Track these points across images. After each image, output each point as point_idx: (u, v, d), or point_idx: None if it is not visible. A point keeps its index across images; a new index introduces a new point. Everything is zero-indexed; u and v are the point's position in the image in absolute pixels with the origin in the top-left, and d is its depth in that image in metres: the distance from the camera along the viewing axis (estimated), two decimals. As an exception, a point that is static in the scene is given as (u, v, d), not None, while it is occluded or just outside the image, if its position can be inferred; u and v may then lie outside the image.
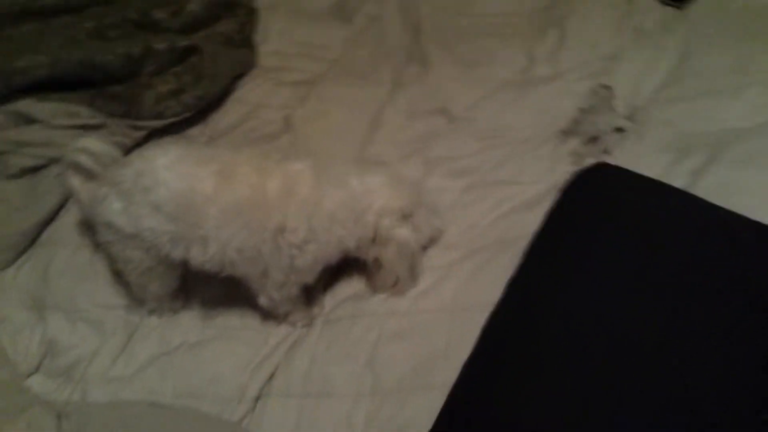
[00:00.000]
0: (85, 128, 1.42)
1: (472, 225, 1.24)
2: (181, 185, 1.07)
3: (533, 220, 1.15)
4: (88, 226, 1.24)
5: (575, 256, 0.95)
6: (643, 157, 1.21)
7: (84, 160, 1.16)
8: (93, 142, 1.16)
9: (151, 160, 1.10)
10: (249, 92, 1.60)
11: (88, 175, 1.18)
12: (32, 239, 1.37)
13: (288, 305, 1.18)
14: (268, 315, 1.21)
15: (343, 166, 1.17)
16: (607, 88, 1.34)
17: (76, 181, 1.18)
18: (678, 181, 1.13)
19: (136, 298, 1.25)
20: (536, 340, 0.92)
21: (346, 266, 1.23)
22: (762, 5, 1.35)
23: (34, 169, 1.42)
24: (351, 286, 1.23)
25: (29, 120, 1.42)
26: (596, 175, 1.02)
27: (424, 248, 1.21)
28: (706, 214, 0.93)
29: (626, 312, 0.88)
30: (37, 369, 1.21)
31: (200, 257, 1.08)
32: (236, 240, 1.06)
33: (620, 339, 0.86)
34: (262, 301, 1.16)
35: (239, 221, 1.06)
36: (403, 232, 1.13)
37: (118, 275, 1.25)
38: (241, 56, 1.62)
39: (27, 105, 1.43)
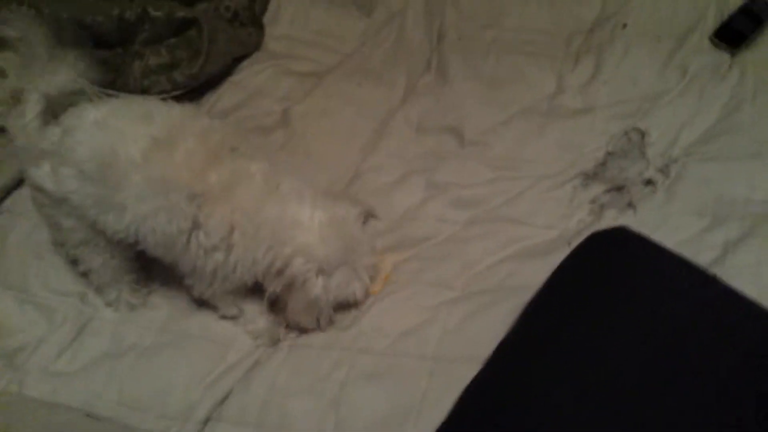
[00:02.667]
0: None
1: (471, 264, 1.13)
2: (105, 143, 0.97)
3: (538, 271, 1.03)
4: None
5: (577, 330, 0.84)
6: (672, 218, 1.10)
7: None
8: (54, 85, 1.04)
9: (82, 116, 1.01)
10: (249, 77, 1.51)
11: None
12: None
13: (229, 308, 1.11)
14: (231, 327, 1.12)
15: (305, 185, 1.07)
16: (640, 132, 1.22)
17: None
18: (708, 253, 1.03)
19: (92, 285, 1.17)
20: (523, 415, 0.81)
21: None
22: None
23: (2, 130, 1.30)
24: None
25: (2, 74, 1.32)
26: (614, 240, 0.92)
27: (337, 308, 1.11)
28: (731, 306, 0.82)
29: (620, 401, 0.77)
30: (-24, 349, 1.13)
31: (115, 225, 0.99)
32: (152, 220, 0.98)
33: (615, 419, 0.76)
34: (194, 293, 1.11)
35: (161, 200, 0.96)
36: (313, 286, 1.03)
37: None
38: (245, 36, 1.53)
39: (4, 59, 1.32)
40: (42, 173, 1.02)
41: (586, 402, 0.78)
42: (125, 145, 0.97)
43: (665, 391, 0.77)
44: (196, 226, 0.99)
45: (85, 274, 1.16)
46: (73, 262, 1.16)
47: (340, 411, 1.00)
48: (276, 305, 1.10)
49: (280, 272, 1.03)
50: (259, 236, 1.00)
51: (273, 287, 1.05)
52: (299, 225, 1.02)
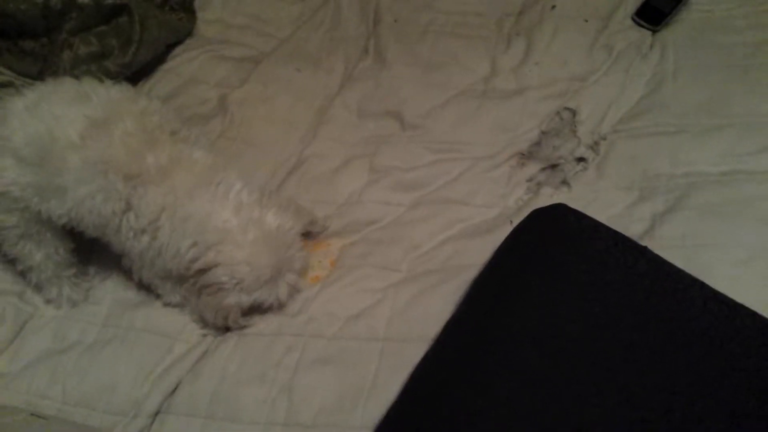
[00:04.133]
0: (-14, 85, 1.26)
1: (416, 246, 1.15)
2: (41, 127, 0.96)
3: (481, 249, 1.09)
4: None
5: (521, 307, 0.87)
6: (603, 194, 1.15)
7: None
8: None
9: (10, 106, 1.00)
10: (183, 64, 1.47)
11: None
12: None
13: (170, 295, 1.11)
14: (177, 319, 1.11)
15: (248, 186, 1.05)
16: (571, 111, 1.26)
17: None
18: (637, 226, 1.08)
19: (31, 283, 1.13)
20: (470, 392, 0.83)
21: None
22: (742, 44, 1.29)
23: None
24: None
25: None
26: (553, 217, 0.95)
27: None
28: (661, 276, 0.87)
29: (568, 372, 0.81)
30: None
31: (58, 209, 0.98)
32: (89, 201, 0.97)
33: (561, 400, 0.79)
34: (134, 277, 1.09)
35: (100, 181, 0.96)
36: (226, 297, 1.03)
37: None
38: (176, 22, 1.48)
39: None
40: None
41: (530, 376, 0.81)
42: (62, 127, 0.95)
43: (604, 360, 0.81)
44: (128, 207, 0.98)
45: (23, 273, 1.12)
46: (10, 261, 1.12)
47: (293, 396, 1.01)
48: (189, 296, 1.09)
49: (198, 273, 1.02)
50: (186, 227, 0.99)
51: (189, 283, 1.04)
52: (229, 233, 1.00)
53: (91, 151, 0.95)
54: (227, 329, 1.10)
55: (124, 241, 1.01)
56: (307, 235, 1.16)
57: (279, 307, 1.09)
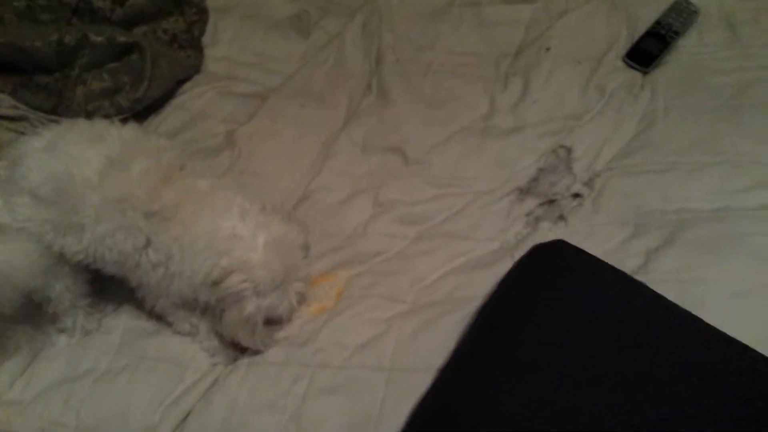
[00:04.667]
0: (4, 119, 1.29)
1: (420, 278, 1.19)
2: (58, 167, 0.98)
3: (483, 282, 1.13)
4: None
5: (525, 338, 0.91)
6: (598, 228, 1.19)
7: None
8: None
9: (27, 145, 1.02)
10: (192, 99, 1.50)
11: None
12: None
13: (181, 324, 1.13)
14: (188, 347, 1.13)
15: (252, 201, 1.08)
16: (567, 149, 1.31)
17: None
18: (632, 260, 1.12)
19: (47, 314, 1.15)
20: (477, 419, 0.87)
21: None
22: (730, 84, 1.34)
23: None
24: (284, 329, 1.15)
25: None
26: (554, 252, 1.00)
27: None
28: (657, 310, 0.91)
29: (570, 401, 0.85)
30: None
31: (75, 246, 1.01)
32: (110, 239, 1.00)
33: (562, 420, 0.83)
34: (146, 306, 1.11)
35: (119, 219, 0.99)
36: (248, 305, 1.04)
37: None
38: (185, 59, 1.52)
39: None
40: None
41: (534, 402, 0.84)
42: (80, 166, 0.98)
43: (605, 389, 0.84)
44: (148, 243, 1.01)
45: (40, 304, 1.14)
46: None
47: (301, 424, 1.03)
48: (209, 316, 1.11)
49: (215, 284, 1.03)
50: (196, 247, 1.01)
51: (206, 297, 1.05)
52: (240, 239, 1.02)
53: (110, 189, 0.98)
54: (242, 351, 1.12)
55: (141, 276, 1.04)
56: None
57: (289, 314, 1.11)
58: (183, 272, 1.03)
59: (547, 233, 1.20)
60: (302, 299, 1.13)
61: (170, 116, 1.47)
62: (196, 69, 1.54)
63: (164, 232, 1.01)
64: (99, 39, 1.38)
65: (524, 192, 1.28)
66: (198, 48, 1.57)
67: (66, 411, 1.08)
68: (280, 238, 1.05)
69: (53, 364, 1.14)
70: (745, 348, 0.85)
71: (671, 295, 0.94)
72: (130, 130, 1.07)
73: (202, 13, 1.61)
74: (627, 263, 1.10)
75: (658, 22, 1.47)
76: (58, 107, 1.35)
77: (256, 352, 1.13)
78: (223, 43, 1.61)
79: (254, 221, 1.04)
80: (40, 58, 1.34)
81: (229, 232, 1.02)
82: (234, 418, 1.05)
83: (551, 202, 1.25)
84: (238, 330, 1.07)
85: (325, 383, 1.07)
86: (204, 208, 1.03)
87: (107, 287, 1.21)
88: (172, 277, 1.03)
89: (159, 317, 1.15)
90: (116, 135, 1.04)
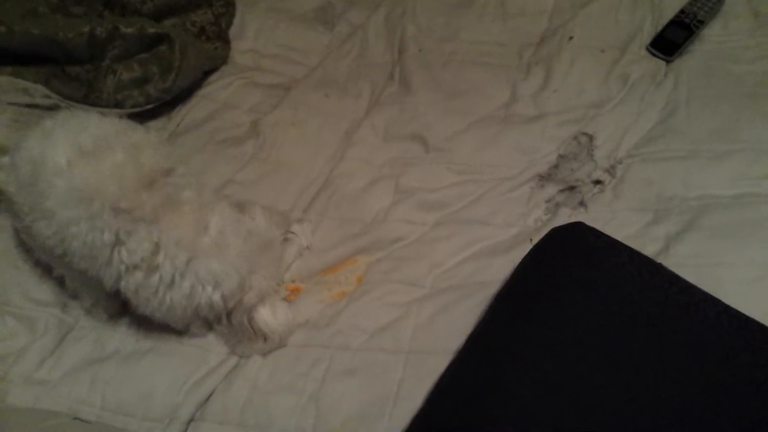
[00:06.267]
0: (37, 108, 1.33)
1: (439, 263, 1.20)
2: (39, 150, 0.99)
3: (501, 267, 1.14)
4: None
5: (542, 319, 0.91)
6: (619, 214, 1.19)
7: None
8: None
9: (39, 125, 1.04)
10: (218, 90, 1.53)
11: None
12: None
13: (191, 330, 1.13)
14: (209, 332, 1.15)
15: (232, 224, 1.09)
16: (588, 136, 1.31)
17: None
18: (652, 245, 1.12)
19: (71, 295, 1.18)
20: (493, 400, 0.87)
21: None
22: (753, 73, 1.33)
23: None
24: (303, 313, 1.17)
25: None
26: (572, 234, 1.00)
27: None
28: (676, 289, 0.91)
29: (586, 381, 0.85)
30: (-43, 358, 1.13)
31: (45, 231, 1.00)
32: (75, 227, 0.97)
33: (579, 407, 0.83)
34: (134, 310, 1.10)
35: (83, 208, 0.96)
36: (259, 318, 1.08)
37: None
38: (213, 50, 1.55)
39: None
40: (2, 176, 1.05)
41: (551, 384, 0.85)
42: (55, 152, 0.97)
43: (620, 369, 0.84)
44: (119, 241, 0.99)
45: (59, 281, 1.17)
46: (47, 268, 1.17)
47: (320, 405, 1.05)
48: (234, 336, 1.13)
49: (229, 313, 1.07)
50: (188, 273, 1.02)
51: (226, 321, 1.09)
52: (224, 263, 1.04)
53: (77, 178, 0.96)
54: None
55: (115, 276, 1.02)
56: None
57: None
58: (175, 291, 1.03)
59: (567, 219, 1.20)
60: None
61: (197, 106, 1.50)
62: (223, 60, 1.57)
63: (139, 234, 0.98)
64: (129, 30, 1.40)
65: (545, 178, 1.28)
66: (225, 40, 1.59)
67: (92, 391, 1.10)
68: (275, 244, 1.11)
69: (80, 345, 1.16)
70: (763, 327, 0.84)
71: (690, 279, 0.93)
72: (113, 123, 1.06)
73: (230, 5, 1.63)
74: (647, 248, 1.10)
75: (682, 11, 1.46)
76: (88, 96, 1.38)
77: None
78: (249, 36, 1.64)
79: (232, 252, 1.05)
80: (72, 49, 1.38)
81: (214, 264, 1.03)
82: (254, 399, 1.07)
83: (572, 188, 1.25)
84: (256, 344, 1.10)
85: (343, 365, 1.09)
86: (193, 231, 1.03)
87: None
88: (154, 287, 1.02)
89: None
90: (96, 126, 1.03)
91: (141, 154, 1.01)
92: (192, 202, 1.04)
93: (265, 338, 1.10)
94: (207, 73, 1.54)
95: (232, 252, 1.05)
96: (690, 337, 0.85)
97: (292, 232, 1.23)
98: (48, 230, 1.00)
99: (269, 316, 1.09)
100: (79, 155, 0.97)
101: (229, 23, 1.63)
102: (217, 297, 1.05)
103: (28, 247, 1.18)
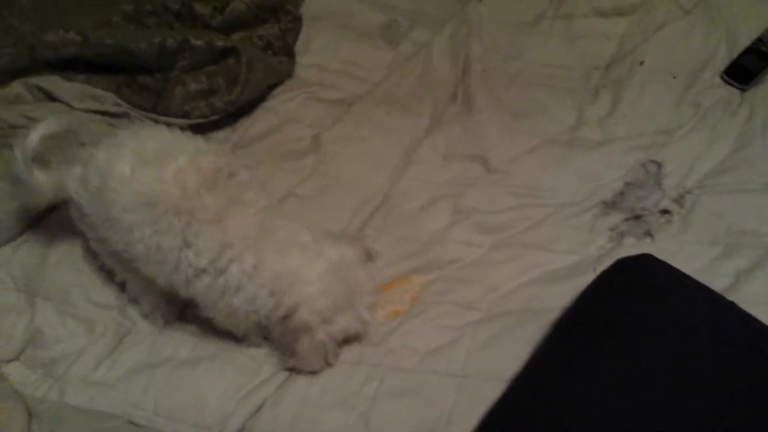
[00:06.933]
0: (106, 115, 1.37)
1: (496, 288, 1.18)
2: (108, 161, 1.01)
3: (561, 294, 1.11)
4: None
5: (606, 355, 0.89)
6: (687, 247, 1.15)
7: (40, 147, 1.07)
8: (48, 126, 1.06)
9: (112, 137, 1.06)
10: (282, 103, 1.54)
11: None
12: (37, 220, 1.31)
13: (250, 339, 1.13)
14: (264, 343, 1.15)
15: (300, 229, 1.09)
16: (657, 164, 1.28)
17: (40, 175, 1.07)
18: (720, 281, 1.08)
19: (129, 296, 1.20)
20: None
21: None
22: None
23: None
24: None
25: (50, 97, 1.36)
26: (640, 266, 0.97)
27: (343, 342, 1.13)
28: (747, 329, 0.88)
29: (648, 424, 0.81)
30: (17, 356, 1.17)
31: (112, 236, 1.03)
32: (139, 231, 1.00)
33: None
34: (205, 317, 1.11)
35: (146, 213, 0.99)
36: (317, 332, 1.06)
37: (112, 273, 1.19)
38: (278, 65, 1.56)
39: (50, 81, 1.37)
40: (73, 184, 1.06)
41: (611, 422, 0.82)
42: (120, 161, 1.00)
43: (686, 413, 0.81)
44: (185, 244, 1.01)
45: (121, 285, 1.20)
46: (110, 273, 1.19)
47: (370, 425, 1.04)
48: (280, 348, 1.12)
49: (285, 318, 1.05)
50: (258, 278, 1.03)
51: (278, 330, 1.07)
52: (299, 276, 1.04)
53: (140, 184, 0.99)
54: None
55: (185, 280, 1.04)
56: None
57: (364, 329, 1.12)
58: (242, 295, 1.04)
59: (632, 249, 1.17)
60: (373, 309, 1.13)
61: (260, 119, 1.51)
62: (288, 74, 1.58)
63: (204, 235, 1.00)
64: (199, 43, 1.43)
65: (609, 206, 1.25)
66: (290, 54, 1.60)
67: (145, 396, 1.11)
68: (336, 262, 1.07)
69: (136, 349, 1.18)
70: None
71: (761, 319, 0.89)
72: (173, 132, 1.09)
73: (296, 21, 1.64)
74: (715, 284, 1.04)
75: (760, 39, 1.41)
76: (157, 106, 1.41)
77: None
78: (314, 51, 1.65)
79: (310, 252, 1.06)
80: (143, 59, 1.41)
81: (291, 269, 1.04)
82: (305, 413, 1.07)
83: (638, 217, 1.22)
84: (311, 357, 1.08)
85: (395, 386, 1.08)
86: (261, 235, 1.04)
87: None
88: (220, 289, 1.04)
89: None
90: (158, 136, 1.07)
91: (202, 159, 1.04)
92: (256, 204, 1.06)
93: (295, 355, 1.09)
94: (271, 87, 1.56)
95: (297, 258, 1.05)
96: (762, 382, 0.80)
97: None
98: (115, 236, 1.03)
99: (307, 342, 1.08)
100: (142, 163, 1.00)
101: (295, 38, 1.64)
102: (272, 303, 1.05)
103: (94, 252, 1.20)
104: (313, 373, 1.11)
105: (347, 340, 1.12)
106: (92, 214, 1.05)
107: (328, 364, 1.12)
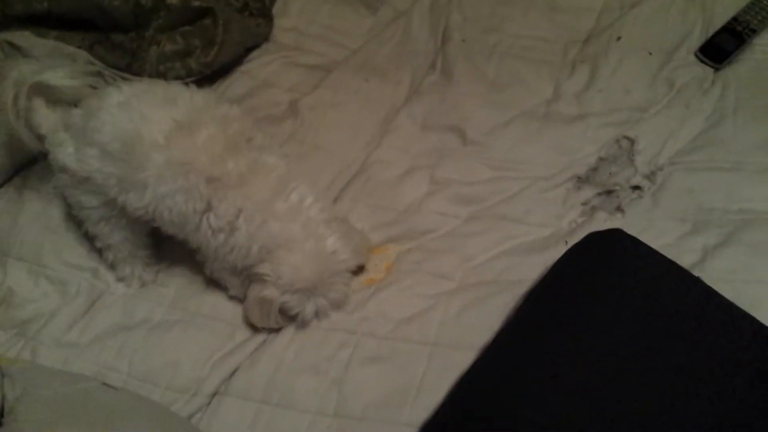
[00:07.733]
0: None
1: (470, 258, 1.19)
2: (129, 125, 1.01)
3: (533, 266, 1.13)
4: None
5: (575, 325, 0.91)
6: (657, 222, 1.17)
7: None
8: (55, 77, 1.06)
9: (105, 99, 1.05)
10: (258, 67, 1.52)
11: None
12: (8, 178, 1.30)
13: (236, 290, 1.15)
14: (240, 308, 1.16)
15: (314, 199, 1.10)
16: (630, 140, 1.29)
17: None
18: (688, 257, 1.11)
19: (107, 260, 1.20)
20: (519, 402, 0.87)
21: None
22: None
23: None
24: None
25: (22, 53, 1.31)
26: (610, 240, 0.99)
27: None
28: (712, 306, 0.90)
29: (615, 392, 0.84)
30: (-11, 316, 1.15)
31: (136, 203, 1.04)
32: (170, 199, 1.02)
33: (605, 419, 0.83)
34: (205, 270, 1.15)
35: (181, 181, 1.01)
36: (266, 289, 1.07)
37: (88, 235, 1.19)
38: (255, 27, 1.53)
39: (22, 37, 1.33)
40: (66, 153, 1.06)
41: (580, 392, 0.84)
42: (149, 127, 1.01)
43: (652, 382, 0.84)
44: (209, 208, 1.03)
45: (101, 250, 1.19)
46: (92, 239, 1.19)
47: (343, 389, 1.06)
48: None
49: (251, 266, 1.07)
50: (260, 232, 1.04)
51: (243, 276, 1.10)
52: (290, 241, 1.06)
53: (175, 152, 1.00)
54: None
55: (202, 239, 1.07)
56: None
57: (301, 324, 1.13)
58: (242, 247, 1.05)
59: (603, 223, 1.19)
60: (323, 316, 1.15)
61: (236, 82, 1.49)
62: (265, 37, 1.56)
63: (227, 199, 1.03)
64: (174, 2, 1.40)
65: (582, 180, 1.27)
66: (268, 17, 1.58)
67: (120, 358, 1.12)
68: (325, 255, 1.08)
69: (110, 311, 1.18)
70: (801, 351, 0.83)
71: (727, 295, 0.92)
72: (202, 96, 1.09)
73: (274, -18, 1.62)
74: (683, 259, 1.08)
75: (735, 19, 1.43)
76: (131, 65, 1.38)
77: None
78: (293, 14, 1.62)
79: (313, 231, 1.07)
80: (117, 16, 1.38)
81: (287, 233, 1.05)
82: (278, 377, 1.08)
83: (609, 192, 1.24)
84: (254, 308, 1.10)
85: (369, 352, 1.10)
86: (276, 194, 1.06)
87: (165, 242, 1.24)
88: (231, 247, 1.06)
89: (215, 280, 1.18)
90: (188, 99, 1.06)
91: (229, 127, 1.06)
92: (279, 168, 1.08)
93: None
94: (248, 50, 1.54)
95: (303, 220, 1.07)
96: (724, 355, 0.84)
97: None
98: (139, 202, 1.04)
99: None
100: (176, 130, 1.01)
101: (273, 1, 1.61)
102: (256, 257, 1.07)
103: (72, 216, 1.21)
104: (257, 329, 1.14)
105: (285, 315, 1.13)
106: (106, 179, 1.05)
107: (271, 327, 1.13)
